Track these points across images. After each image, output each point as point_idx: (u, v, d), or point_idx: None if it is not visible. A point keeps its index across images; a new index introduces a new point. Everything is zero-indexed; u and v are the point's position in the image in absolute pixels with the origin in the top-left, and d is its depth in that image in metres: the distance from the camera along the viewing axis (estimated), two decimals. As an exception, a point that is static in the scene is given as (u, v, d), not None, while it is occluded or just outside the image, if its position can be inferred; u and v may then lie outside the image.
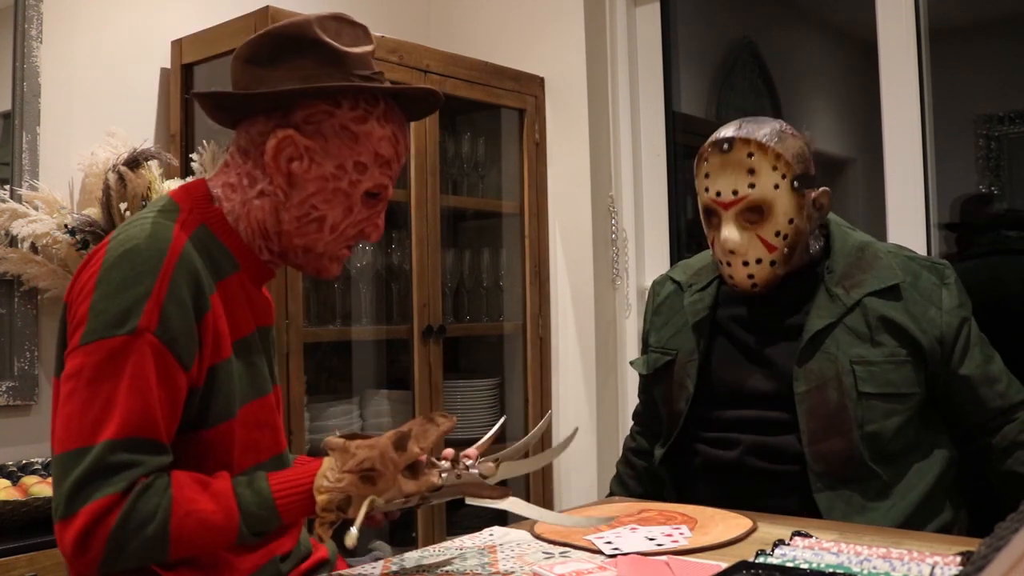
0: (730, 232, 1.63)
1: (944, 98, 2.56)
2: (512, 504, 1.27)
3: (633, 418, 1.98)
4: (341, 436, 1.21)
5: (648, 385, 1.86)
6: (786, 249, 1.64)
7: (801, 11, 3.92)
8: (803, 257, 1.69)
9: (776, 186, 1.61)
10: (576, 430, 1.47)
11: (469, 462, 1.23)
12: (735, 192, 1.62)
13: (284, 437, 1.35)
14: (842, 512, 1.55)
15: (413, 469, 1.17)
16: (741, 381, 1.68)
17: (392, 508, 1.19)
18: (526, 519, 1.36)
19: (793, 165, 1.62)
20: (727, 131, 1.65)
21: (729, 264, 1.66)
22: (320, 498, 1.15)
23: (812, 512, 1.55)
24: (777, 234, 1.62)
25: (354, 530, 1.12)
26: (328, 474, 1.16)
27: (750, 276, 1.65)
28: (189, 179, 2.27)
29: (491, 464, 1.24)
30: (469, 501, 1.26)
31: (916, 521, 1.55)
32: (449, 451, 1.29)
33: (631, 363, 2.01)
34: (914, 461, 1.60)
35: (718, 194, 1.64)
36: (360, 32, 1.31)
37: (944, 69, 2.61)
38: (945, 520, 1.60)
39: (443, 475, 1.20)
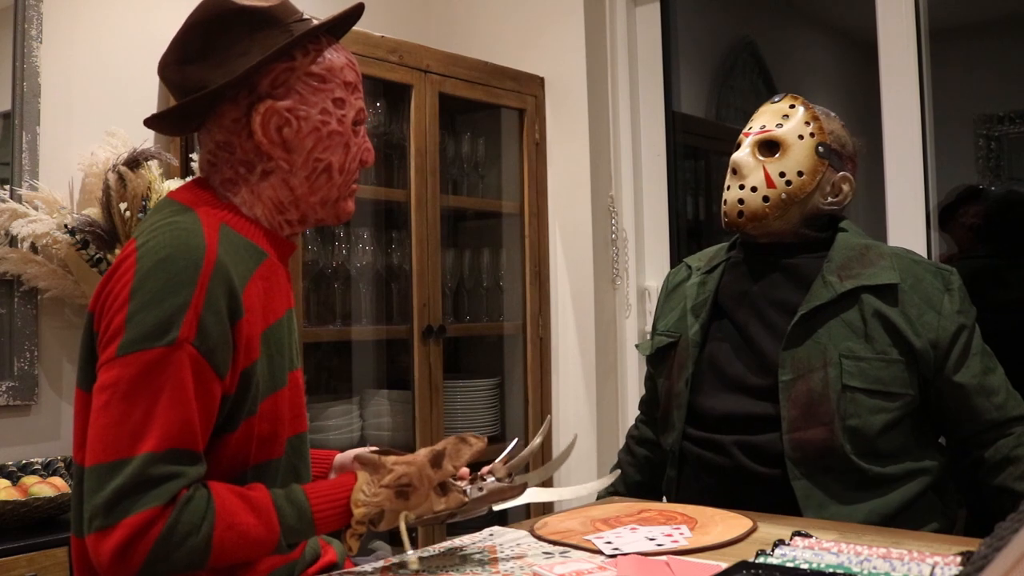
0: (741, 154, 1.71)
1: (944, 98, 2.56)
2: (533, 495, 1.37)
3: (639, 407, 1.99)
4: (373, 451, 1.25)
5: (652, 370, 1.88)
6: (784, 195, 1.65)
7: (801, 11, 3.92)
8: (808, 230, 1.69)
9: (800, 136, 1.68)
10: (576, 437, 1.51)
11: (490, 479, 1.32)
12: (763, 127, 1.71)
13: (305, 422, 1.34)
14: (818, 501, 1.54)
15: (443, 487, 1.24)
16: (735, 370, 1.68)
17: (421, 524, 1.25)
18: (527, 519, 1.38)
19: (825, 133, 1.69)
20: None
21: (728, 188, 1.71)
22: (357, 511, 1.19)
23: (790, 501, 1.55)
24: (782, 175, 1.66)
25: (412, 553, 1.22)
26: (365, 488, 1.20)
27: (740, 202, 1.68)
28: (189, 179, 2.27)
29: (501, 465, 1.33)
30: (496, 507, 1.33)
31: (902, 521, 1.54)
32: (465, 471, 1.34)
33: (636, 346, 2.03)
34: (904, 462, 1.59)
35: (749, 128, 1.73)
36: None
37: (944, 69, 2.61)
38: (938, 526, 1.59)
39: (467, 491, 1.28)
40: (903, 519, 1.55)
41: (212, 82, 1.23)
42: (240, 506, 1.12)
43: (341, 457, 1.45)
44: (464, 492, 1.27)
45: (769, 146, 1.69)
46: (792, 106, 1.71)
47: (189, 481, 1.09)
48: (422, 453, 1.24)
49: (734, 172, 1.70)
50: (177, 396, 1.09)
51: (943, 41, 2.62)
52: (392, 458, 1.23)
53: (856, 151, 1.74)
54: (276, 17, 1.26)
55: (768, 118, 1.72)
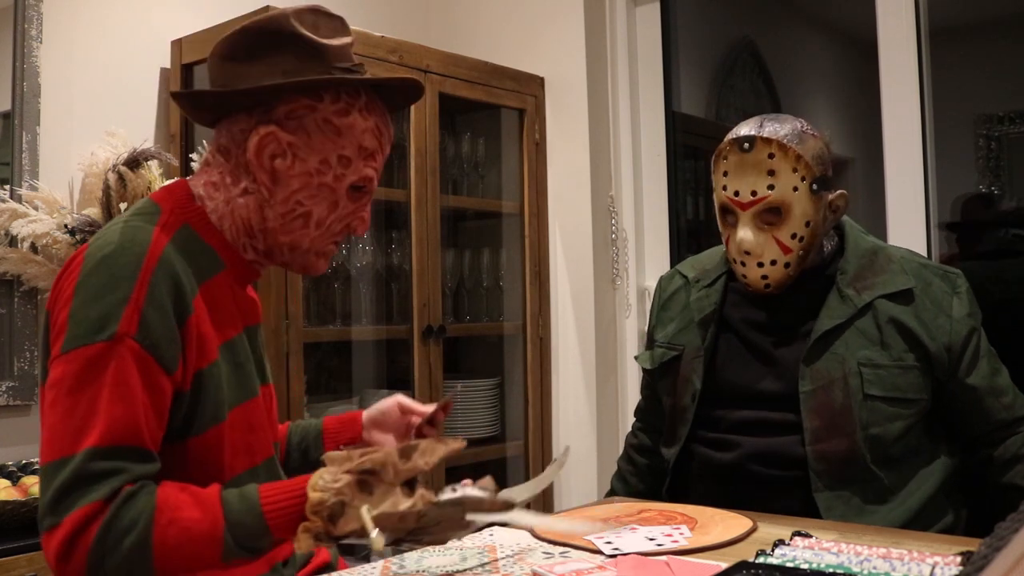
0: (746, 233, 1.62)
1: (944, 98, 2.56)
2: (516, 517, 1.18)
3: (635, 415, 1.98)
4: (344, 448, 1.18)
5: (652, 381, 1.85)
6: (801, 251, 1.63)
7: (801, 11, 3.91)
8: (816, 258, 1.68)
9: (795, 188, 1.60)
10: (567, 449, 1.42)
11: (470, 489, 1.14)
12: (754, 193, 1.61)
13: (275, 438, 1.33)
14: (841, 513, 1.54)
15: (410, 486, 1.11)
16: (748, 380, 1.67)
17: (384, 532, 1.09)
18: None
19: (813, 167, 1.61)
20: (747, 129, 1.63)
21: (743, 264, 1.66)
22: (313, 496, 1.08)
23: (812, 513, 1.55)
24: (793, 236, 1.62)
25: (375, 533, 1.06)
26: (325, 475, 1.11)
27: (764, 277, 1.64)
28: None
29: (489, 479, 1.16)
30: (469, 517, 1.14)
31: (916, 526, 1.54)
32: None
33: (636, 357, 2.01)
34: (916, 466, 1.60)
35: (736, 193, 1.63)
36: (338, 24, 1.29)
37: (944, 69, 2.60)
38: (946, 524, 1.60)
39: (440, 495, 1.12)
40: (916, 523, 1.55)
41: (234, 85, 1.24)
42: (185, 501, 1.08)
43: (369, 413, 1.46)
44: (436, 494, 1.12)
45: (770, 212, 1.61)
46: (771, 155, 1.59)
47: (133, 477, 1.07)
48: (392, 446, 1.17)
49: (747, 253, 1.63)
50: (119, 392, 1.08)
51: (943, 41, 2.61)
52: (359, 450, 1.14)
53: (830, 148, 1.70)
54: (326, 54, 1.24)
55: (752, 178, 1.60)
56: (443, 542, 1.16)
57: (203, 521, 1.07)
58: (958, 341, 1.60)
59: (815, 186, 1.61)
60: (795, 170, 1.59)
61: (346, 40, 1.28)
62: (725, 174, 1.64)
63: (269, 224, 1.27)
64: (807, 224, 1.62)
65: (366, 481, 1.10)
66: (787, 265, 1.63)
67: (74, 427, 1.07)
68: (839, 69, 3.91)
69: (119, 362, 1.09)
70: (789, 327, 1.67)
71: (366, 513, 1.07)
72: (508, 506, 1.16)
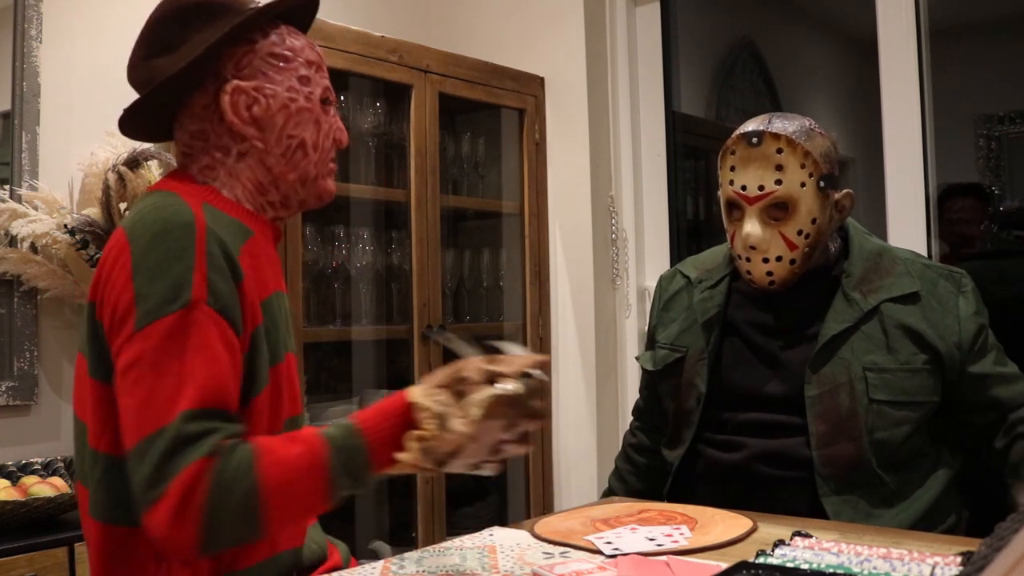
0: (753, 227, 1.62)
1: (944, 98, 2.56)
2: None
3: (633, 414, 1.97)
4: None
5: (653, 382, 1.84)
6: (807, 248, 1.63)
7: (801, 11, 3.92)
8: (821, 258, 1.68)
9: (803, 184, 1.60)
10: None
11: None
12: (761, 187, 1.61)
13: (300, 404, 1.34)
14: (848, 517, 1.54)
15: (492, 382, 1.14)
16: (753, 383, 1.67)
17: (497, 420, 1.12)
18: (527, 519, 1.35)
19: (820, 164, 1.61)
20: (756, 124, 1.64)
21: (748, 260, 1.65)
22: (422, 402, 1.12)
23: (818, 515, 1.55)
24: (800, 233, 1.62)
25: (509, 385, 1.10)
26: (422, 389, 1.15)
27: (769, 273, 1.64)
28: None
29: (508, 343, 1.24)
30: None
31: (921, 528, 1.54)
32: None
33: (636, 358, 2.00)
34: (921, 469, 1.60)
35: (743, 188, 1.62)
36: None
37: (944, 69, 2.61)
38: (948, 525, 1.60)
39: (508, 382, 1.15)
40: (922, 526, 1.55)
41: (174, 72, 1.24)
42: (281, 442, 1.11)
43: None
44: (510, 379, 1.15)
45: (777, 208, 1.61)
46: (779, 150, 1.59)
47: (228, 434, 1.07)
48: (473, 357, 1.19)
49: (752, 248, 1.63)
50: (205, 355, 1.09)
51: (943, 41, 2.62)
52: (441, 368, 1.18)
53: (836, 147, 1.70)
54: (232, 6, 1.29)
55: (759, 173, 1.60)
56: (544, 415, 1.19)
57: (305, 454, 1.10)
58: (968, 339, 1.60)
59: (822, 183, 1.61)
60: (803, 166, 1.60)
61: None
62: (732, 168, 1.64)
63: (275, 171, 1.30)
64: (813, 221, 1.62)
65: (460, 391, 1.14)
66: (792, 262, 1.63)
67: (164, 396, 1.07)
68: (839, 69, 3.91)
69: (199, 327, 1.10)
70: (794, 329, 1.66)
71: (473, 404, 1.11)
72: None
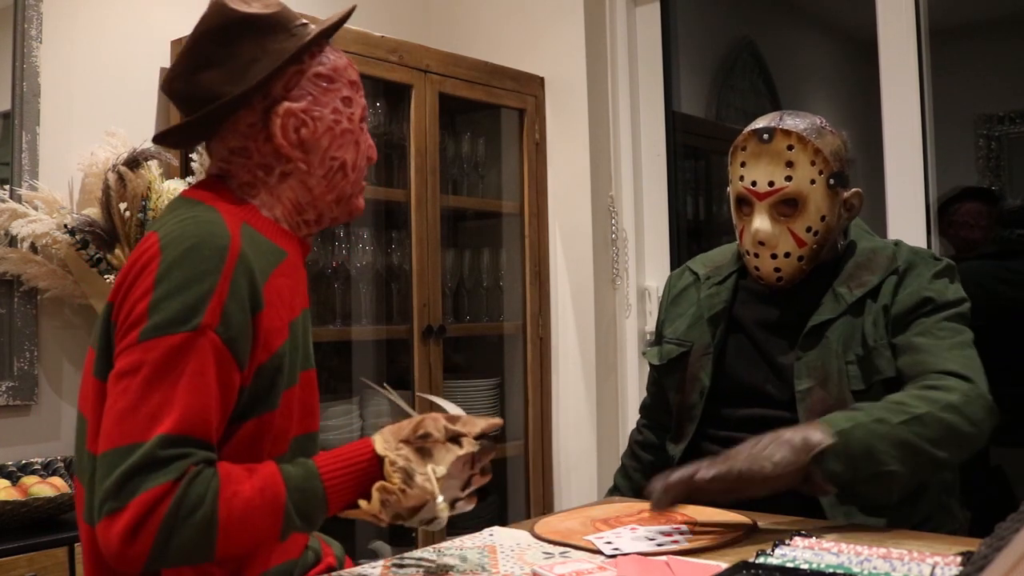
0: (762, 223, 1.63)
1: (944, 98, 2.56)
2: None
3: (640, 411, 1.98)
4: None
5: (659, 377, 1.85)
6: (815, 245, 1.63)
7: (801, 11, 3.92)
8: (828, 255, 1.68)
9: (812, 181, 1.61)
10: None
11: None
12: (771, 183, 1.62)
13: (317, 421, 1.35)
14: (844, 511, 1.54)
15: (457, 442, 1.21)
16: (755, 381, 1.67)
17: (453, 482, 1.20)
18: (527, 519, 1.36)
19: (831, 162, 1.62)
20: (767, 121, 1.65)
21: (757, 255, 1.66)
22: (389, 455, 1.16)
23: (815, 511, 1.55)
24: (808, 229, 1.62)
25: (440, 499, 1.15)
26: (389, 440, 1.19)
27: (777, 269, 1.65)
28: (190, 179, 2.27)
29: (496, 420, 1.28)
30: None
31: (926, 502, 1.55)
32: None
33: (643, 353, 2.00)
34: None
35: (753, 183, 1.63)
36: None
37: (944, 69, 2.61)
38: (951, 528, 1.59)
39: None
40: (924, 512, 1.55)
41: (226, 90, 1.24)
42: (244, 474, 1.11)
43: None
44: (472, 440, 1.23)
45: (787, 204, 1.62)
46: (790, 147, 1.61)
47: (198, 460, 1.09)
48: (433, 413, 1.25)
49: (761, 244, 1.64)
50: (198, 382, 1.09)
51: (943, 41, 2.62)
52: (405, 421, 1.23)
53: (847, 146, 1.72)
54: (281, 22, 1.28)
55: (770, 169, 1.62)
56: (489, 477, 1.26)
57: (265, 491, 1.11)
58: (913, 303, 1.56)
59: (832, 181, 1.62)
60: (813, 163, 1.61)
61: (278, 2, 1.32)
62: (743, 164, 1.65)
63: (315, 191, 1.31)
64: (822, 219, 1.62)
65: (423, 448, 1.19)
66: (800, 259, 1.64)
67: (148, 414, 1.08)
68: (839, 69, 3.91)
69: (200, 353, 1.10)
70: (796, 326, 1.67)
71: (433, 474, 1.16)
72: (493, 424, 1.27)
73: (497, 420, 1.26)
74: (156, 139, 1.36)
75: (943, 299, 1.58)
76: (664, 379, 1.83)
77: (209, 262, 1.13)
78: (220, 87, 1.25)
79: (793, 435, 1.35)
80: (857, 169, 3.27)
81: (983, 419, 1.45)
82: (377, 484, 1.16)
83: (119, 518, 1.04)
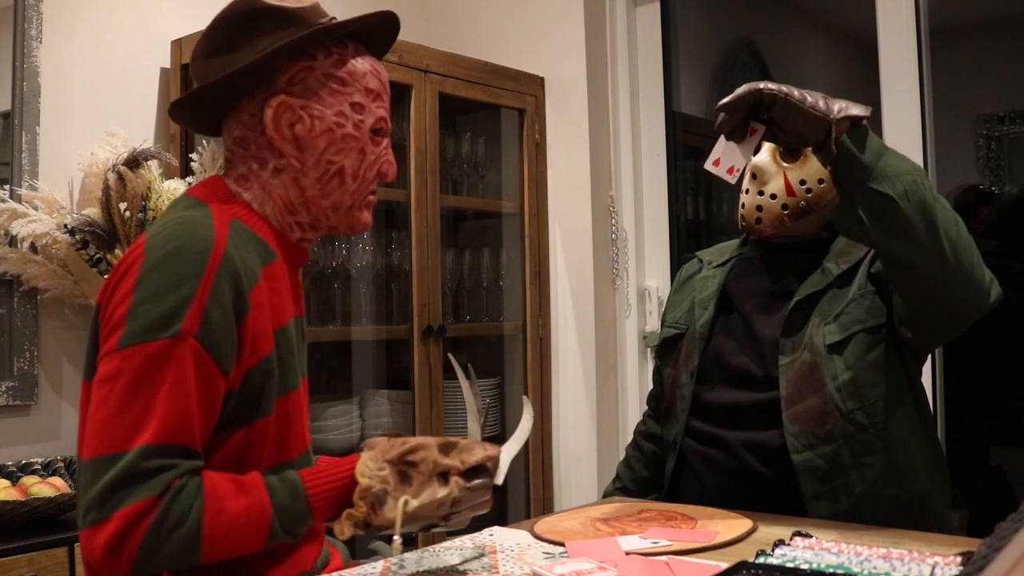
0: (762, 157, 1.68)
1: (944, 98, 2.56)
2: (509, 450, 1.31)
3: (647, 402, 1.99)
4: (386, 435, 1.23)
5: (660, 364, 1.87)
6: (803, 203, 1.64)
7: (801, 11, 3.92)
8: (819, 230, 1.69)
9: None
10: (525, 397, 1.47)
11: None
12: None
13: (308, 432, 1.34)
14: (823, 472, 1.52)
15: (444, 476, 1.19)
16: (739, 360, 1.67)
17: (420, 520, 1.18)
18: (527, 519, 1.36)
19: None
20: None
21: (747, 192, 1.69)
22: (362, 481, 1.15)
23: (793, 501, 1.53)
24: (802, 183, 1.64)
25: (397, 538, 1.14)
26: (370, 463, 1.17)
27: (759, 208, 1.67)
28: (190, 179, 2.27)
29: (496, 448, 1.27)
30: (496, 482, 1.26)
31: (914, 473, 1.54)
32: None
33: (644, 338, 2.01)
34: (895, 408, 1.56)
35: None
36: None
37: (944, 69, 2.61)
38: (941, 492, 1.58)
39: (472, 480, 1.21)
40: (914, 471, 1.54)
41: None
42: (230, 490, 1.11)
43: None
44: (465, 480, 1.21)
45: (791, 151, 1.66)
46: None
47: (183, 472, 1.08)
48: (431, 438, 1.22)
49: (753, 177, 1.68)
50: (177, 390, 1.08)
51: (943, 41, 2.62)
52: (401, 438, 1.21)
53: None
54: (303, 18, 1.26)
55: None
56: (467, 522, 1.25)
57: (251, 509, 1.11)
58: None
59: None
60: None
61: (314, 1, 1.29)
62: None
63: (308, 193, 1.28)
64: (820, 182, 1.63)
65: (405, 472, 1.17)
66: (784, 207, 1.65)
67: (128, 423, 1.07)
68: (839, 69, 3.91)
69: (180, 360, 1.09)
70: (781, 298, 1.67)
71: (402, 507, 1.15)
72: (496, 451, 1.26)
73: (495, 451, 1.24)
74: (170, 109, 1.32)
75: None
76: (662, 362, 1.85)
77: (189, 266, 1.12)
78: (227, 70, 1.23)
79: (853, 105, 1.41)
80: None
81: (991, 280, 1.48)
82: (345, 512, 1.16)
83: (102, 529, 1.04)
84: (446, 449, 1.19)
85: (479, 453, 1.21)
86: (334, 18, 1.30)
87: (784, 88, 1.39)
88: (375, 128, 1.30)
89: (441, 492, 1.17)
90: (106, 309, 1.15)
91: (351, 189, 1.30)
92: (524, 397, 1.49)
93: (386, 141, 1.33)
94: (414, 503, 1.15)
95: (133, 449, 1.06)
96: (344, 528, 1.15)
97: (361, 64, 1.29)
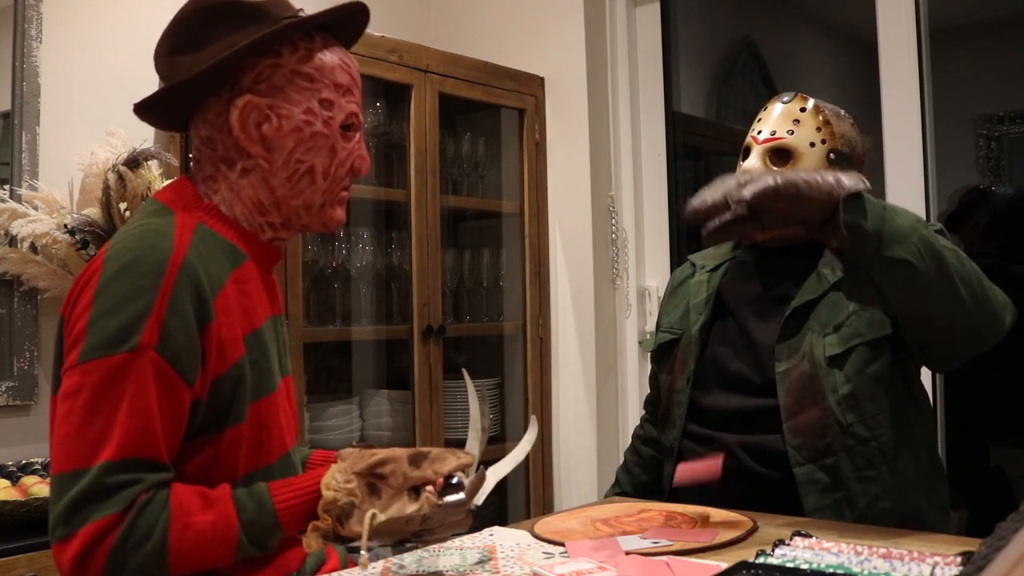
0: (753, 162, 1.68)
1: (944, 98, 2.56)
2: (496, 473, 1.28)
3: (644, 407, 1.99)
4: (357, 446, 1.20)
5: (656, 368, 1.87)
6: None
7: (801, 11, 3.92)
8: (811, 235, 1.68)
9: (812, 144, 1.65)
10: (533, 418, 1.46)
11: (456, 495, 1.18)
12: (773, 132, 1.68)
13: (292, 434, 1.32)
14: (824, 485, 1.52)
15: (415, 490, 1.15)
16: (738, 367, 1.67)
17: (388, 536, 1.16)
18: (527, 519, 1.36)
19: (837, 139, 1.67)
20: (793, 92, 1.73)
21: None
22: (327, 494, 1.12)
23: (790, 502, 1.53)
24: None
25: (364, 552, 1.11)
26: (337, 475, 1.14)
27: None
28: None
29: (484, 470, 1.23)
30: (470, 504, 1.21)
31: (914, 486, 1.54)
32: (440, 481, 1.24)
33: (640, 343, 2.01)
34: (895, 421, 1.56)
35: (758, 133, 1.70)
36: None
37: (944, 69, 2.61)
38: (942, 501, 1.58)
39: (444, 498, 1.17)
40: (922, 485, 1.54)
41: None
42: (197, 504, 1.09)
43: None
44: (438, 497, 1.17)
45: (780, 154, 1.66)
46: (803, 109, 1.67)
47: (148, 486, 1.07)
48: (404, 449, 1.18)
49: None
50: (138, 404, 1.07)
51: (943, 41, 2.62)
52: (372, 449, 1.18)
53: (866, 150, 1.74)
54: (266, 12, 1.23)
55: (779, 122, 1.68)
56: (445, 540, 1.21)
57: (217, 524, 1.09)
58: None
59: (832, 155, 1.65)
60: (819, 129, 1.66)
61: None
62: (759, 121, 1.72)
63: (278, 193, 1.25)
64: None
65: (375, 485, 1.13)
66: None
67: (91, 439, 1.06)
68: (839, 69, 3.91)
69: (139, 374, 1.08)
70: (776, 303, 1.67)
71: (369, 521, 1.11)
72: (482, 478, 1.21)
73: (468, 459, 1.18)
74: (136, 109, 1.29)
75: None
76: (658, 367, 1.85)
77: (147, 277, 1.10)
78: (191, 69, 1.21)
79: (844, 175, 1.31)
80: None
81: (1005, 304, 1.45)
82: (311, 524, 1.14)
83: (69, 545, 1.04)
84: (416, 460, 1.15)
85: (451, 462, 1.16)
86: (301, 10, 1.27)
87: (775, 179, 1.28)
88: (346, 124, 1.27)
89: (411, 508, 1.13)
90: (68, 322, 1.14)
91: (322, 188, 1.27)
92: (532, 416, 1.46)
93: (358, 136, 1.30)
94: (381, 517, 1.12)
95: (96, 465, 1.05)
96: (311, 541, 1.13)
97: (329, 58, 1.26)
